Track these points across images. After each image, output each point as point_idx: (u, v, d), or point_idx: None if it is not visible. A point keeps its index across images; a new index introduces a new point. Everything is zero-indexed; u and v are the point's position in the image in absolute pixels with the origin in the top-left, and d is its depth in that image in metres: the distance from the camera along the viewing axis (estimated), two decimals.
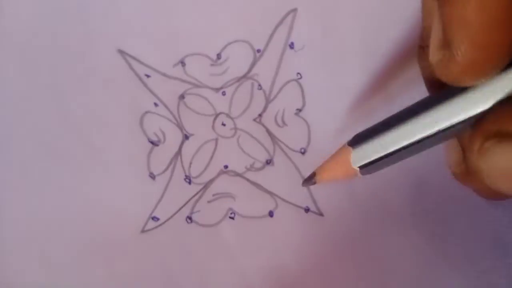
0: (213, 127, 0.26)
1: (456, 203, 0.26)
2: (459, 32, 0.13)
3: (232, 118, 0.27)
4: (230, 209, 0.26)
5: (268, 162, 0.26)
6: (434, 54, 0.14)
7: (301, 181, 0.25)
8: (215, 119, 0.27)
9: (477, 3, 0.12)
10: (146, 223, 0.26)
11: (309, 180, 0.23)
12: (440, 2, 0.13)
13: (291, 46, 0.27)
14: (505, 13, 0.12)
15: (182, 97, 0.27)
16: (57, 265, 0.25)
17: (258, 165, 0.26)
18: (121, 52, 0.26)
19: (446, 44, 0.13)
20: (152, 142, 0.26)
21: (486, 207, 0.25)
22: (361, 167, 0.19)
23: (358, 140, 0.20)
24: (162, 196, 0.26)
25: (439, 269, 0.25)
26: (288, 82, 0.27)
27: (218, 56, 0.27)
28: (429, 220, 0.26)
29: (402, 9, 0.26)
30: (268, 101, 0.27)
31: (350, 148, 0.20)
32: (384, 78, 0.26)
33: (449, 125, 0.15)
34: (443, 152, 0.23)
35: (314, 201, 0.26)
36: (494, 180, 0.14)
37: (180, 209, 0.26)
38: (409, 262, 0.25)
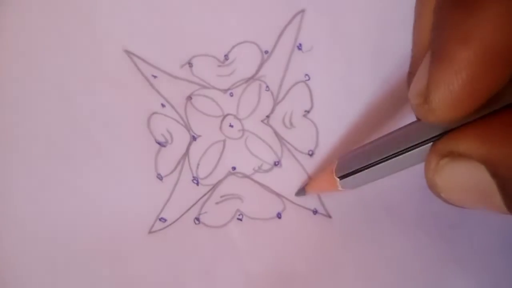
0: (220, 128, 0.26)
1: None
2: (441, 97, 0.14)
3: (239, 120, 0.26)
4: (238, 210, 0.26)
5: (276, 163, 0.26)
6: (414, 96, 0.15)
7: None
8: (222, 120, 0.26)
9: (466, 79, 0.13)
10: (153, 224, 0.26)
11: (301, 191, 0.26)
12: (432, 58, 0.14)
13: (299, 47, 0.27)
14: (488, 86, 0.13)
15: (189, 98, 0.26)
16: (64, 266, 0.25)
17: (266, 166, 0.26)
18: (128, 52, 0.26)
19: (427, 97, 0.14)
20: (159, 143, 0.26)
21: None
22: (341, 178, 0.22)
23: (344, 154, 0.22)
24: (169, 197, 0.26)
25: (447, 271, 0.26)
26: (296, 83, 0.27)
27: (226, 57, 0.27)
28: (437, 223, 0.26)
29: (411, 10, 0.26)
30: (276, 102, 0.27)
31: (336, 160, 0.21)
32: (393, 79, 0.26)
33: (417, 143, 0.17)
34: None
35: (322, 203, 0.26)
36: (448, 194, 0.15)
37: (187, 210, 0.26)
38: (417, 264, 0.26)
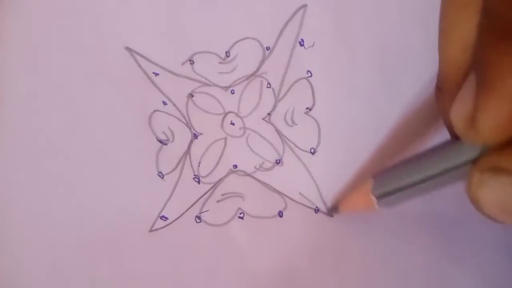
0: (222, 126, 0.26)
1: (467, 205, 0.25)
2: (489, 122, 0.14)
3: (241, 117, 0.26)
4: (239, 209, 0.26)
5: (278, 162, 0.26)
6: (458, 120, 0.16)
7: (311, 181, 0.26)
8: (224, 118, 0.26)
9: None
10: (154, 223, 0.26)
11: (333, 210, 0.25)
12: (480, 85, 0.15)
13: (301, 43, 0.26)
14: None
15: (190, 95, 0.26)
16: (64, 264, 0.25)
17: (267, 165, 0.26)
18: (129, 50, 0.26)
19: (474, 121, 0.15)
20: (160, 141, 0.26)
21: None
22: (378, 197, 0.22)
23: (379, 173, 0.22)
24: (170, 196, 0.26)
25: (449, 271, 0.25)
26: (298, 80, 0.26)
27: (227, 54, 0.26)
28: (439, 222, 0.25)
29: (415, 6, 0.26)
30: (277, 99, 0.26)
31: (371, 179, 0.21)
32: (396, 77, 0.26)
33: (458, 164, 0.18)
34: None
35: (324, 202, 0.26)
36: (490, 209, 0.16)
37: (189, 208, 0.26)
38: (419, 264, 0.25)
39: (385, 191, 0.21)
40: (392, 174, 0.21)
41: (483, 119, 0.14)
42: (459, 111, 0.16)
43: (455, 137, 0.18)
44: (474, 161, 0.16)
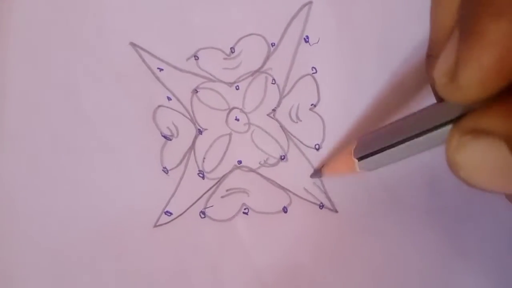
0: (226, 122, 0.26)
1: (472, 200, 0.25)
2: (470, 74, 0.13)
3: (245, 113, 0.26)
4: (244, 204, 0.26)
5: (282, 157, 0.26)
6: (439, 76, 0.15)
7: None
8: (228, 113, 0.26)
9: (498, 54, 0.13)
10: (159, 218, 0.26)
11: (317, 173, 0.25)
12: (461, 35, 0.14)
13: (306, 39, 0.26)
14: None
15: (195, 91, 0.26)
16: (69, 260, 0.25)
17: (272, 160, 0.26)
18: (134, 45, 0.26)
19: (454, 75, 0.14)
20: (165, 137, 0.26)
21: (502, 205, 0.25)
22: (360, 159, 0.21)
23: (362, 136, 0.22)
24: (175, 191, 0.26)
25: (454, 267, 0.25)
26: (302, 76, 0.26)
27: (232, 50, 0.26)
28: (445, 218, 0.26)
29: (420, 3, 0.26)
30: (282, 96, 0.26)
31: (354, 142, 0.21)
32: (401, 72, 0.26)
33: (438, 124, 0.17)
34: None
35: (329, 198, 0.26)
36: (469, 174, 0.15)
37: (193, 204, 0.26)
38: (424, 259, 0.25)
39: (367, 152, 0.21)
40: (375, 136, 0.21)
41: (464, 71, 0.13)
42: (440, 68, 0.15)
43: (440, 100, 0.17)
44: (455, 122, 0.16)
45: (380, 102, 0.26)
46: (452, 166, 0.15)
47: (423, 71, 0.26)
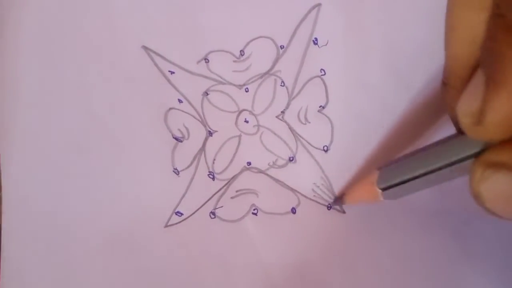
0: (236, 123, 0.27)
1: None
2: (497, 119, 0.15)
3: (255, 115, 0.27)
4: (253, 205, 0.26)
5: (291, 159, 0.26)
6: (465, 116, 0.16)
7: (324, 179, 0.26)
8: (238, 115, 0.27)
9: None
10: (169, 218, 0.26)
11: (338, 200, 0.26)
12: (488, 83, 0.15)
13: (315, 42, 0.26)
14: None
15: (205, 93, 0.27)
16: (80, 259, 0.26)
17: (281, 162, 0.26)
18: (146, 48, 0.27)
19: (481, 118, 0.15)
20: (176, 138, 0.27)
21: None
22: (383, 189, 0.22)
23: (384, 165, 0.23)
24: (186, 192, 0.26)
25: (461, 269, 0.25)
26: (311, 78, 0.26)
27: (242, 52, 0.27)
28: (452, 220, 0.25)
29: (426, 5, 0.26)
30: (291, 97, 0.27)
31: (376, 171, 0.22)
32: (408, 75, 0.26)
33: (461, 158, 0.18)
34: None
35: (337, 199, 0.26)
36: (491, 204, 0.16)
37: (203, 204, 0.26)
38: (432, 261, 0.25)
39: (390, 183, 0.22)
40: (397, 166, 0.21)
41: (491, 115, 0.15)
42: (466, 107, 0.16)
43: (460, 131, 0.18)
44: (477, 156, 0.17)
45: (388, 104, 0.26)
46: (477, 197, 0.16)
47: (430, 72, 0.26)
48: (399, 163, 0.21)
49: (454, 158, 0.18)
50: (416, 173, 0.20)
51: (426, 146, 0.20)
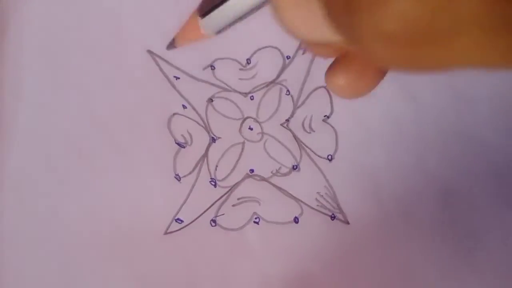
0: (240, 131, 0.26)
1: (484, 213, 0.25)
2: None
3: (259, 123, 0.27)
4: (255, 213, 0.26)
5: (295, 167, 0.26)
6: None
7: (328, 188, 0.26)
8: (242, 123, 0.27)
9: None
10: (169, 225, 0.26)
11: (171, 45, 0.23)
12: None
13: None
14: None
15: (210, 100, 0.27)
16: (79, 264, 0.25)
17: (284, 170, 0.26)
18: (151, 53, 0.27)
19: None
20: (179, 144, 0.26)
21: None
22: (203, 16, 0.18)
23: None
24: (186, 198, 0.26)
25: (465, 280, 0.25)
26: (316, 88, 0.27)
27: (248, 61, 0.27)
28: (456, 231, 0.25)
29: None
30: (296, 106, 0.27)
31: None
32: (412, 85, 0.26)
33: None
34: (469, 161, 0.23)
35: (340, 209, 0.26)
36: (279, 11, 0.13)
37: (204, 212, 0.26)
38: (435, 272, 0.25)
39: (208, 9, 0.20)
40: None
41: None
42: None
43: None
44: None
45: (392, 114, 0.26)
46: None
47: (434, 82, 0.26)
48: None
49: None
50: None
51: None
